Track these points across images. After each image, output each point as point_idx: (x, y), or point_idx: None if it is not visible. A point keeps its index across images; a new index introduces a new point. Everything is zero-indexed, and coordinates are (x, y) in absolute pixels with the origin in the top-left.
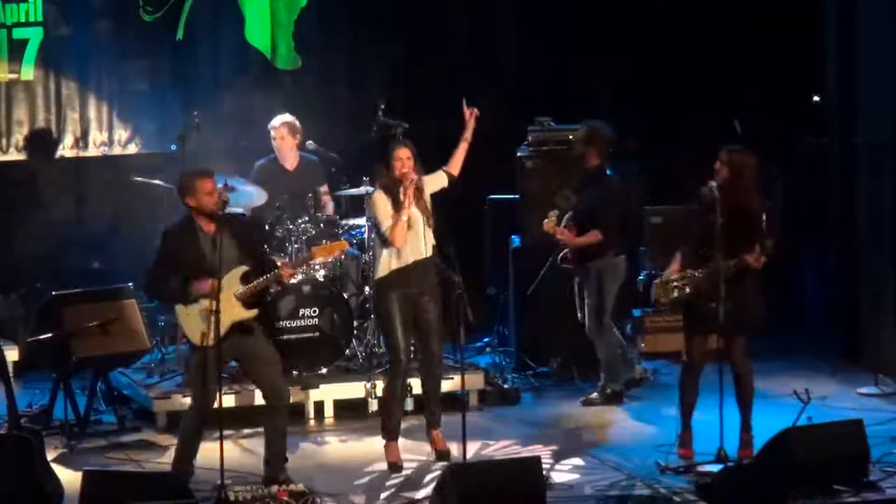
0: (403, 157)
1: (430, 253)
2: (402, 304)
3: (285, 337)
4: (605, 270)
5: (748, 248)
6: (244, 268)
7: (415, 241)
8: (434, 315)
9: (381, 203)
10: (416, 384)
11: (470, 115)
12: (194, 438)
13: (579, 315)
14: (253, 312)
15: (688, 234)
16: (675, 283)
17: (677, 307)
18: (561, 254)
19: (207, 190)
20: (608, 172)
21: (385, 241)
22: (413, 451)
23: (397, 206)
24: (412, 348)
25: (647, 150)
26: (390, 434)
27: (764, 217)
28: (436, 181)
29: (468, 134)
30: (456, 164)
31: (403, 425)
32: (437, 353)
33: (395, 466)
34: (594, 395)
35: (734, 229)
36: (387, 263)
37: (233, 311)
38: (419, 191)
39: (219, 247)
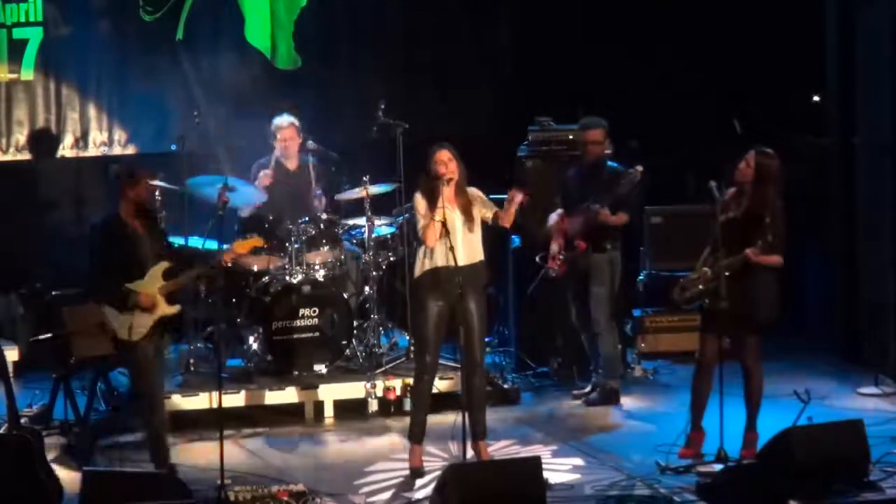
0: (445, 160)
1: (466, 262)
2: (437, 306)
3: (285, 337)
4: (614, 261)
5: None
6: (165, 264)
7: (445, 248)
8: (474, 319)
9: (419, 203)
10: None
11: (513, 199)
12: (163, 436)
13: (574, 315)
14: (176, 308)
15: (707, 234)
16: (690, 282)
17: (692, 304)
18: (556, 253)
19: (151, 187)
20: (611, 164)
21: (419, 240)
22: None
23: (432, 206)
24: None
25: (648, 149)
26: (413, 437)
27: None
28: (486, 208)
29: (509, 211)
30: (507, 218)
31: (398, 424)
32: (479, 361)
33: (416, 471)
34: (594, 394)
35: (748, 229)
36: (421, 264)
37: (159, 308)
38: (461, 198)
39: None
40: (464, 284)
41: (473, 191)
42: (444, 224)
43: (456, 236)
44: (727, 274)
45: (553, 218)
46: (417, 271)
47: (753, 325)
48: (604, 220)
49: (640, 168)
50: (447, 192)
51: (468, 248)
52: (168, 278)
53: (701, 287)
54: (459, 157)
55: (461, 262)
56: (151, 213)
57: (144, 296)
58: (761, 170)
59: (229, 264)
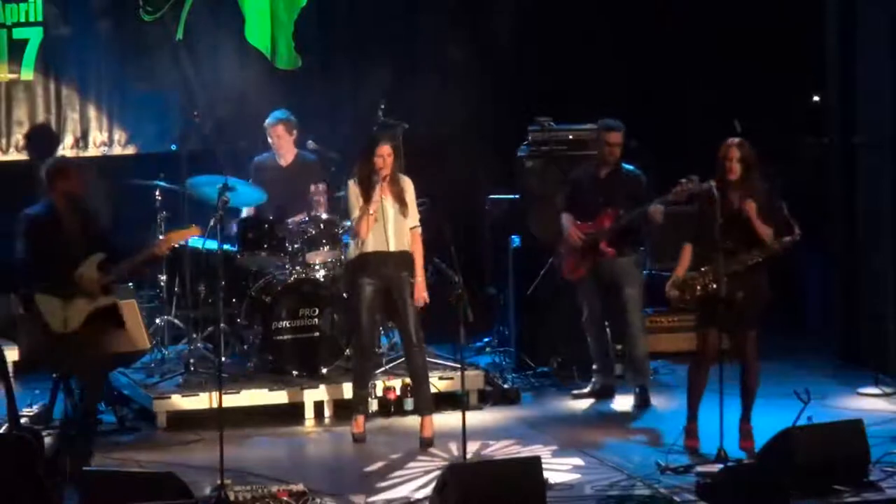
0: (385, 154)
1: (397, 248)
2: (369, 290)
3: (285, 337)
4: (640, 263)
5: (773, 235)
6: (101, 255)
7: (378, 233)
8: (406, 301)
9: (352, 194)
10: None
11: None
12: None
13: (587, 316)
14: (112, 299)
15: (698, 229)
16: (697, 282)
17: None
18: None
19: (82, 178)
20: (626, 166)
21: (351, 232)
22: (413, 452)
23: (367, 198)
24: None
25: (648, 149)
26: (357, 410)
27: (782, 203)
28: (411, 206)
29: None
30: (416, 252)
31: (404, 425)
32: (417, 341)
33: (358, 437)
34: (634, 400)
35: (750, 222)
36: (354, 249)
37: (95, 299)
38: (394, 186)
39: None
40: (397, 270)
41: (408, 184)
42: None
43: (388, 224)
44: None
45: (567, 225)
46: (351, 256)
47: (757, 317)
48: (654, 217)
49: (694, 178)
50: (379, 188)
51: (399, 235)
52: (102, 270)
53: (714, 286)
54: (400, 148)
55: (392, 248)
56: (85, 207)
57: (86, 279)
58: (749, 160)
59: (165, 253)
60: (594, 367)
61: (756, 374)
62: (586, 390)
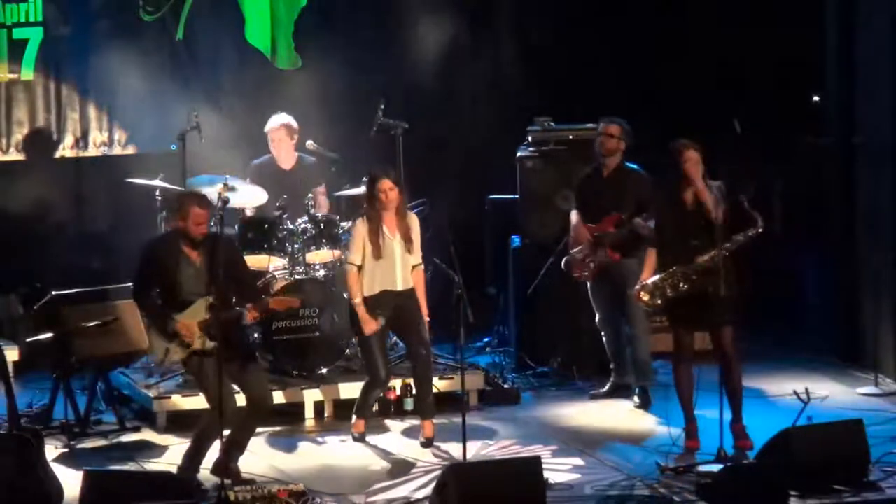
0: (386, 189)
1: (404, 287)
2: (378, 324)
3: (285, 337)
4: (643, 262)
5: (738, 229)
6: (210, 299)
7: (387, 272)
8: (415, 328)
9: (359, 234)
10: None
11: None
12: (202, 446)
13: (599, 319)
14: (212, 345)
15: (662, 232)
16: (667, 284)
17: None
18: (582, 261)
19: (199, 220)
20: (630, 165)
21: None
22: (413, 452)
23: (375, 241)
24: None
25: (647, 149)
26: (359, 414)
27: (742, 197)
28: (416, 244)
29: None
30: (419, 289)
31: (404, 425)
32: (423, 350)
33: (359, 437)
34: (636, 400)
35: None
36: (361, 287)
37: (196, 342)
38: (402, 223)
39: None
40: (404, 305)
41: (414, 222)
42: (380, 254)
43: (397, 263)
44: (707, 264)
45: (575, 222)
46: (358, 294)
47: (733, 312)
48: (642, 230)
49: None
50: (387, 219)
51: (406, 274)
52: (211, 313)
53: (684, 286)
54: (402, 183)
55: (400, 288)
56: (215, 245)
57: (182, 326)
58: (701, 159)
59: (261, 318)
60: (611, 366)
61: (739, 374)
62: (604, 390)
